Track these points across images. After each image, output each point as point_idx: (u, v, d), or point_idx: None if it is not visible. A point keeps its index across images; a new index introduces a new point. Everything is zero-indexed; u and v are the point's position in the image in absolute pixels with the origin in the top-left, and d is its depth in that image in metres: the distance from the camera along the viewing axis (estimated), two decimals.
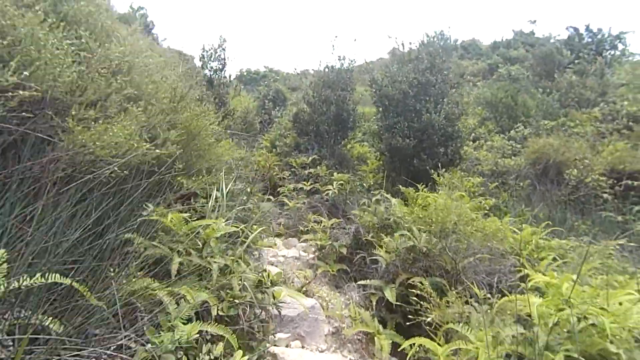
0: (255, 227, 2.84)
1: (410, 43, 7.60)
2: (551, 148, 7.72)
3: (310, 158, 7.51)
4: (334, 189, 6.52)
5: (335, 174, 7.18)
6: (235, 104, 12.08)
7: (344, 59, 8.54)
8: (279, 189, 6.89)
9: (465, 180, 5.33)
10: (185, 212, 2.27)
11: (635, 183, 7.45)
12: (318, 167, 7.31)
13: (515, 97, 11.71)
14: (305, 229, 5.73)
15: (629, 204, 7.54)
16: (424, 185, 5.41)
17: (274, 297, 2.30)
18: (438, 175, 5.90)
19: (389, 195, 4.85)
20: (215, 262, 2.00)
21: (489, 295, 2.64)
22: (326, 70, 8.71)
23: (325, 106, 8.31)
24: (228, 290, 2.02)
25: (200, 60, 9.29)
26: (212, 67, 9.21)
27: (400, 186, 5.86)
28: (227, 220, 2.40)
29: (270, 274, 2.33)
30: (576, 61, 14.77)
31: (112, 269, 1.75)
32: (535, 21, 31.62)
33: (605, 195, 7.50)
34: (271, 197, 7.03)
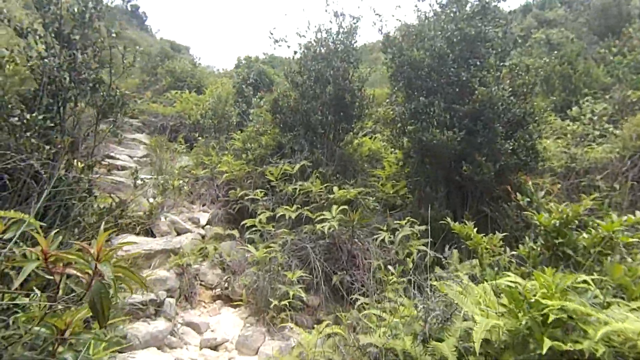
0: None
1: None
2: None
3: (297, 166, 4.94)
4: (332, 219, 3.96)
5: (335, 188, 4.61)
6: (210, 91, 9.58)
7: (342, 16, 5.87)
8: (245, 221, 4.36)
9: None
10: None
11: None
12: (309, 181, 4.75)
13: (575, 64, 8.85)
14: (282, 303, 3.23)
15: None
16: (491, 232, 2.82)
17: None
18: (517, 191, 3.28)
19: (457, 275, 2.29)
20: None
21: None
22: (319, 35, 6.04)
23: (319, 86, 5.69)
24: None
25: None
26: None
27: (449, 219, 3.27)
28: None
29: None
30: None
31: None
32: None
33: None
34: (235, 233, 4.53)
